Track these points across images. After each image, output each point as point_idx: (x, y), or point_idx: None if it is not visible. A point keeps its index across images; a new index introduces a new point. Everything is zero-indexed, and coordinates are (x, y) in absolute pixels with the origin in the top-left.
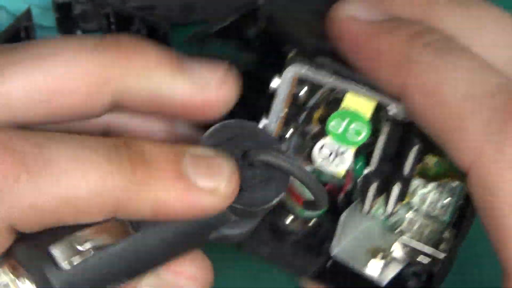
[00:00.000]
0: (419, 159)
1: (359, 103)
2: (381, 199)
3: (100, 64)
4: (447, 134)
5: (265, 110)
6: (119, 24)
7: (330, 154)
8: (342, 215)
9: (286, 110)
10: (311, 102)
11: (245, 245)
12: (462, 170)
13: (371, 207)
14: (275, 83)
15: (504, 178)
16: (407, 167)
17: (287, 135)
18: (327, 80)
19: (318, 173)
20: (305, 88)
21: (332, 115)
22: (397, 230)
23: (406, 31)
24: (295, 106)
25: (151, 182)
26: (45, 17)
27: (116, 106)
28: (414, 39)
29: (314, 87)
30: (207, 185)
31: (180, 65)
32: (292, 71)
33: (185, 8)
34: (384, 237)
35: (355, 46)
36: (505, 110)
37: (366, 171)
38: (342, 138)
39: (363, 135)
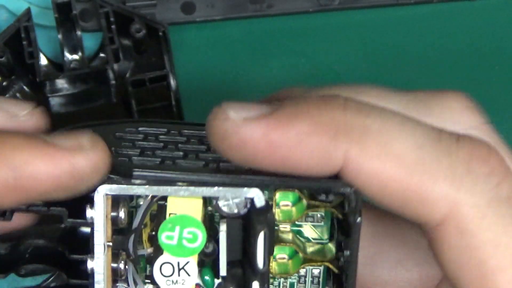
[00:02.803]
0: (269, 247)
1: (185, 205)
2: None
3: None
4: (409, 194)
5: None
6: (119, 23)
7: (173, 273)
8: None
9: (109, 241)
10: (135, 223)
11: None
12: (431, 228)
13: None
14: (89, 214)
15: (485, 219)
16: (259, 260)
17: (122, 269)
18: (142, 190)
19: None
20: (123, 209)
21: (161, 227)
22: None
23: (338, 100)
24: (119, 232)
25: None
26: (44, 17)
27: None
28: (347, 106)
29: (132, 207)
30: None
31: None
32: (101, 192)
33: (185, 8)
34: None
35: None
36: (465, 152)
37: (217, 282)
38: (179, 249)
39: (200, 238)
